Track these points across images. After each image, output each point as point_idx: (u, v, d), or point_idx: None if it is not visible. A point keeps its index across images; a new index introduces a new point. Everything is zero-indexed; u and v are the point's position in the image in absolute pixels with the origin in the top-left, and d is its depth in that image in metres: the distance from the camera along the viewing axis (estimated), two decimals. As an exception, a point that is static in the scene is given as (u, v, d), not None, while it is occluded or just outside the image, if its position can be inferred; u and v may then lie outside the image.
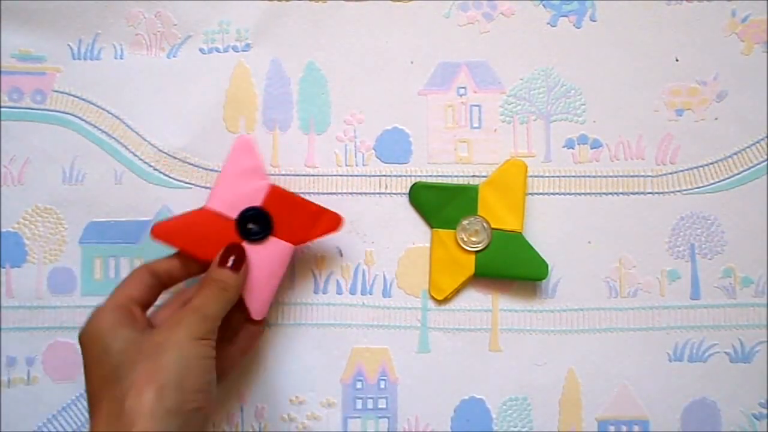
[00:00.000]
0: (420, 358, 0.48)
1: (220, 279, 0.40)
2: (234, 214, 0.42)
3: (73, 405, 0.48)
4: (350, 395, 0.48)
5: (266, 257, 0.43)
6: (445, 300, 0.47)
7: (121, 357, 0.37)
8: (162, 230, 0.42)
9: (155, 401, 0.35)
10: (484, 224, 0.46)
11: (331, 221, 0.44)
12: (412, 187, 0.48)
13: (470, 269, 0.46)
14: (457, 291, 0.47)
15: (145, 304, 0.41)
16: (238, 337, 0.44)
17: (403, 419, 0.48)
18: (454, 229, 0.46)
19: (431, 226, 0.47)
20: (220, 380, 0.41)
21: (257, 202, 0.43)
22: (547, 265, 0.46)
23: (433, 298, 0.47)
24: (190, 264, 0.43)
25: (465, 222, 0.46)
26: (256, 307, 0.43)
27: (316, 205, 0.44)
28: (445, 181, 0.48)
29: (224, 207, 0.43)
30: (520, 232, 0.46)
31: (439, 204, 0.47)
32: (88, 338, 0.38)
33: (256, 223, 0.43)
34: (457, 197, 0.47)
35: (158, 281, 0.42)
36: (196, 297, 0.40)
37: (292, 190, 0.48)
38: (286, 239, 0.43)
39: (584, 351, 0.48)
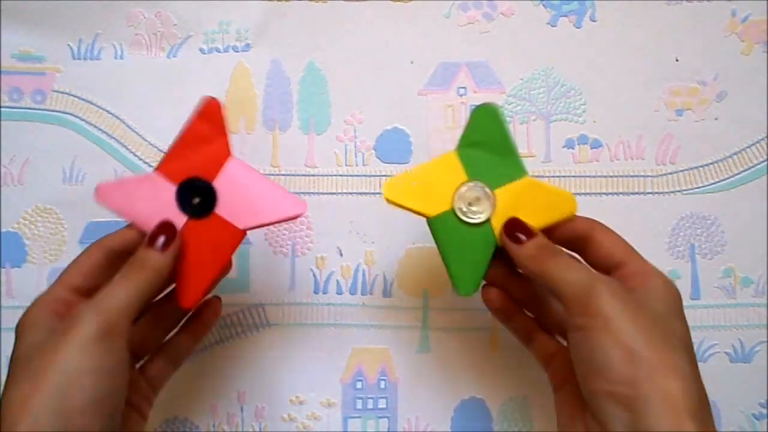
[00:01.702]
0: (420, 358, 0.48)
1: (141, 258, 0.34)
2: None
3: (73, 405, 0.48)
4: (350, 395, 0.48)
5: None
6: (389, 202, 0.39)
7: (16, 365, 0.32)
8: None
9: (29, 408, 0.29)
10: (485, 189, 0.38)
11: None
12: (486, 106, 0.38)
13: (432, 211, 0.38)
14: (403, 208, 0.39)
15: (94, 289, 0.34)
16: (190, 323, 0.39)
17: (403, 419, 0.48)
18: (470, 177, 0.38)
19: (458, 147, 0.39)
20: (173, 370, 0.39)
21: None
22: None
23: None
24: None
25: (462, 189, 0.38)
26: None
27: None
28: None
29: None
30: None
31: (488, 143, 0.38)
32: (16, 334, 0.34)
33: (200, 196, 0.37)
34: (505, 160, 0.38)
35: (113, 260, 0.36)
36: (105, 285, 0.33)
37: (291, 190, 0.48)
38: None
39: (584, 351, 0.48)
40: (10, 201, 0.49)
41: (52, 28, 0.49)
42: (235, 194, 0.38)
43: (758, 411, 0.47)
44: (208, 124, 0.38)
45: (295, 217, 0.38)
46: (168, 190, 0.37)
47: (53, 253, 0.48)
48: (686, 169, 0.48)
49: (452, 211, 0.38)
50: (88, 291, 0.35)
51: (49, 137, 0.49)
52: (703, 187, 0.48)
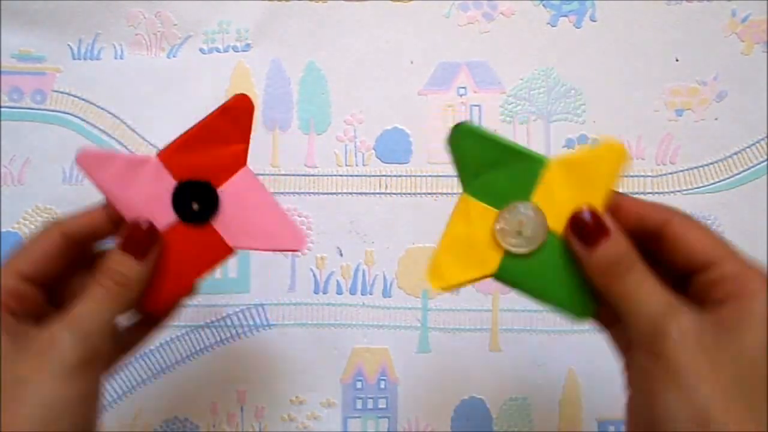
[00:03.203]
0: (420, 358, 0.48)
1: (118, 270, 0.30)
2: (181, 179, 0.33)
3: (73, 405, 0.48)
4: (350, 395, 0.48)
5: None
6: (444, 290, 0.36)
7: None
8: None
9: None
10: (521, 208, 0.31)
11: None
12: (456, 128, 0.32)
13: (490, 267, 0.32)
14: (461, 286, 0.33)
15: (51, 277, 0.31)
16: (127, 330, 0.34)
17: (403, 419, 0.48)
18: (497, 207, 0.31)
19: (463, 187, 0.32)
20: (124, 360, 0.34)
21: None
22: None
23: (431, 284, 0.33)
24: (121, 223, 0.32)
25: (514, 207, 0.31)
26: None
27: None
28: (442, 183, 0.48)
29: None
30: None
31: (486, 162, 0.32)
32: None
33: (200, 203, 0.32)
34: (514, 164, 0.31)
35: (73, 245, 0.31)
36: (79, 300, 0.29)
37: (291, 190, 0.48)
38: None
39: (584, 351, 0.48)
40: (10, 201, 0.49)
41: (52, 28, 0.49)
42: (237, 209, 0.33)
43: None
44: (233, 124, 0.32)
45: (291, 252, 0.35)
46: (165, 184, 0.32)
47: (53, 253, 0.48)
48: (686, 169, 0.48)
49: (507, 253, 0.31)
50: (40, 280, 0.31)
51: (49, 137, 0.49)
52: (703, 187, 0.48)
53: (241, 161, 0.33)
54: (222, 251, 0.33)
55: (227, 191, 0.33)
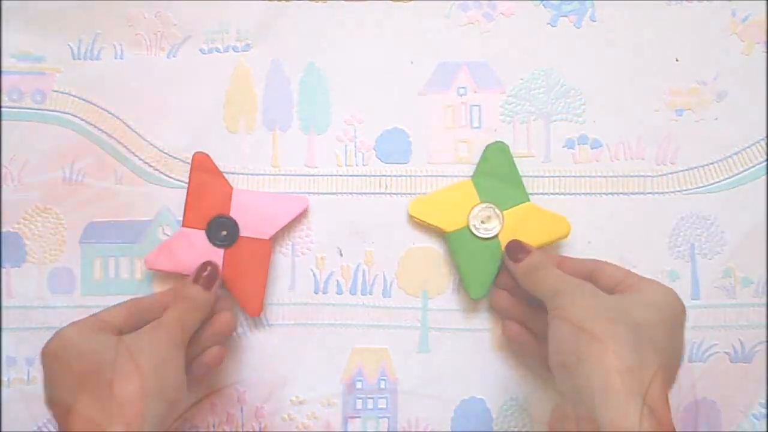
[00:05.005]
0: (420, 358, 0.48)
1: (191, 297, 0.42)
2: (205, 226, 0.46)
3: (73, 405, 0.48)
4: (350, 395, 0.48)
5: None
6: (413, 218, 0.48)
7: (99, 357, 0.37)
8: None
9: (142, 388, 0.36)
10: (495, 210, 0.46)
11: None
12: (497, 142, 0.47)
13: (450, 227, 0.46)
14: (424, 224, 0.47)
15: (121, 331, 0.41)
16: (202, 354, 0.44)
17: (403, 419, 0.48)
18: (482, 200, 0.46)
19: (474, 177, 0.47)
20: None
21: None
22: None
23: (409, 209, 0.48)
24: None
25: (476, 210, 0.46)
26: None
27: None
28: (442, 183, 0.48)
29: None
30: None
31: (498, 173, 0.47)
32: (58, 346, 0.38)
33: (225, 229, 0.46)
34: (512, 186, 0.47)
35: (145, 315, 0.42)
36: (172, 309, 0.41)
37: (292, 190, 0.48)
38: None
39: (584, 351, 0.48)
40: (10, 201, 0.49)
41: (52, 28, 0.49)
42: (250, 215, 0.46)
43: (758, 411, 0.47)
44: (205, 173, 0.46)
45: (303, 212, 0.47)
46: (200, 236, 0.46)
47: (53, 253, 0.48)
48: (686, 169, 0.48)
49: (467, 227, 0.46)
50: (117, 329, 0.41)
51: (49, 137, 0.49)
52: (703, 187, 0.48)
53: (228, 188, 0.47)
54: (265, 247, 0.46)
55: (236, 210, 0.46)
